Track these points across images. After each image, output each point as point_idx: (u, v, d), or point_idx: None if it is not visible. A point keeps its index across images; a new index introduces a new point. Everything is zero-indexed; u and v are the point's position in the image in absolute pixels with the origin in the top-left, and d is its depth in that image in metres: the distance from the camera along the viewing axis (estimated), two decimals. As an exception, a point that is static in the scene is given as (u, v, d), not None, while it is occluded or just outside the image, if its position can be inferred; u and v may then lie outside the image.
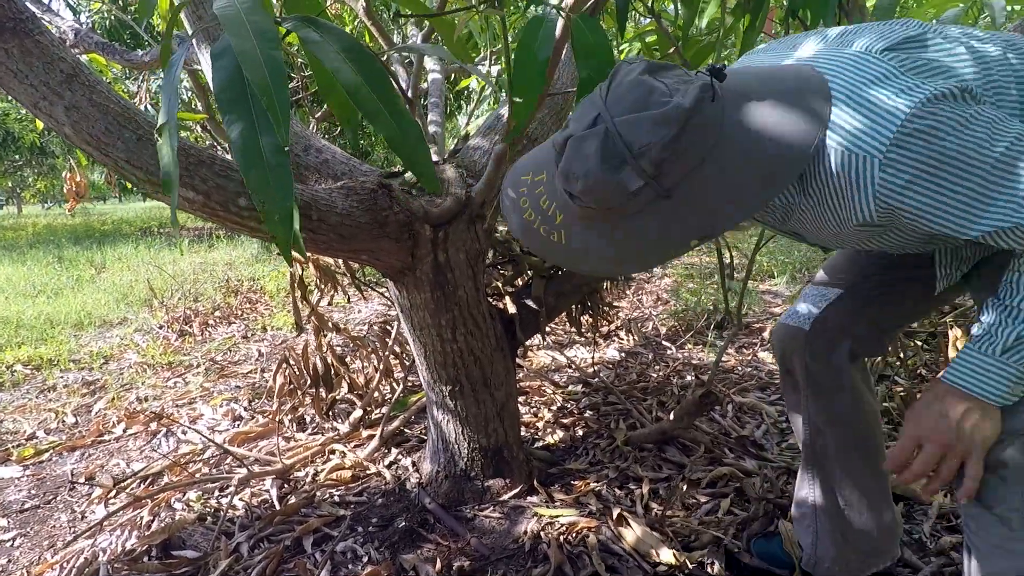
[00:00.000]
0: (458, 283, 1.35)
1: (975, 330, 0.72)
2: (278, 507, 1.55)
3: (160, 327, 3.72)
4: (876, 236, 0.75)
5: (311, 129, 1.36)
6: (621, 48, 3.27)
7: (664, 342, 2.78)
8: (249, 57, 0.66)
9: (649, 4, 2.10)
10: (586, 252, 0.75)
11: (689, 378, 2.30)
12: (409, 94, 1.29)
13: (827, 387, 1.06)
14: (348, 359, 2.29)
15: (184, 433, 2.12)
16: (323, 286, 1.86)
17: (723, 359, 2.59)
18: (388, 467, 1.75)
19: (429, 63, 2.99)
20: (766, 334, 2.87)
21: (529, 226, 0.78)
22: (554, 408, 2.08)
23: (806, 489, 1.15)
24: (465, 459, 1.57)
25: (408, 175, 1.32)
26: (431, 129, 2.41)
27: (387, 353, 2.04)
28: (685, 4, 1.84)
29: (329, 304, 1.96)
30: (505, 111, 1.50)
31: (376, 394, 2.08)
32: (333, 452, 1.85)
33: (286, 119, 0.66)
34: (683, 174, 0.67)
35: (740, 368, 2.45)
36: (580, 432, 1.91)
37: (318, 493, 1.61)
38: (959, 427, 0.72)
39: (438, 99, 2.65)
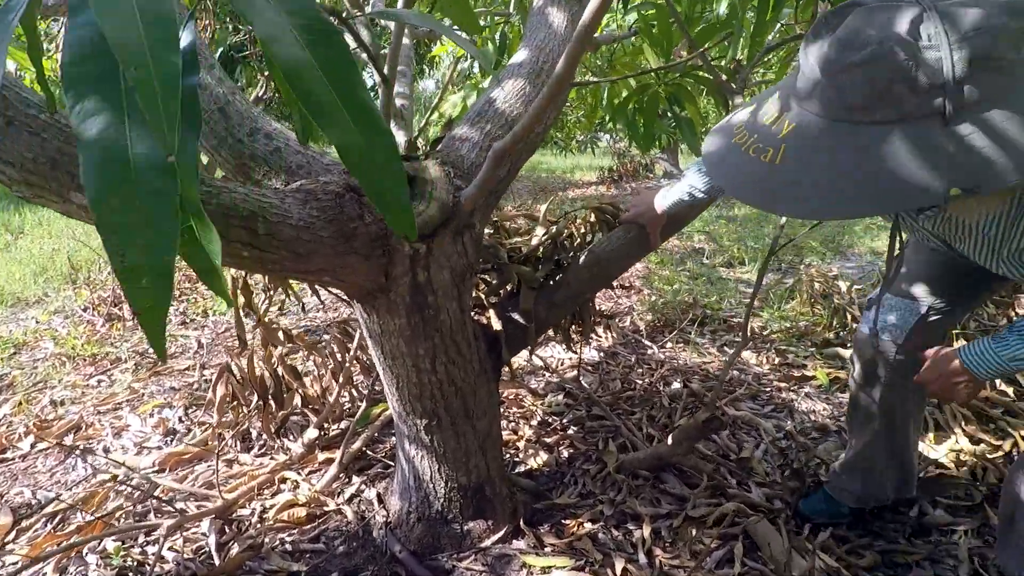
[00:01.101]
0: (440, 306, 1.11)
1: (1001, 336, 0.91)
2: (217, 560, 1.30)
3: (84, 309, 3.32)
4: None
5: (254, 105, 1.08)
6: (615, 24, 3.01)
7: (645, 340, 2.62)
8: (116, 7, 0.40)
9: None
10: (798, 175, 0.64)
11: (676, 385, 2.14)
12: (385, 70, 1.02)
13: (911, 370, 1.20)
14: (302, 366, 2.02)
15: (107, 452, 1.83)
16: (271, 289, 1.58)
17: (706, 359, 2.45)
18: (349, 502, 1.52)
19: (393, 23, 2.66)
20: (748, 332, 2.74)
21: (731, 151, 0.71)
22: (535, 423, 1.89)
23: (864, 440, 1.35)
24: (442, 499, 1.36)
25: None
26: (397, 103, 2.11)
27: (349, 360, 1.79)
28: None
29: (280, 310, 1.72)
30: (497, 94, 1.25)
31: (335, 406, 1.83)
32: (284, 481, 1.61)
33: (172, 113, 0.41)
34: (982, 97, 0.58)
35: (722, 368, 2.31)
36: (566, 454, 1.72)
37: (266, 539, 1.37)
38: (956, 389, 0.99)
39: (406, 67, 2.35)
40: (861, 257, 4.17)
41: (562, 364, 2.38)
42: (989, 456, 1.59)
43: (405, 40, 2.49)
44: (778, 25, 2.12)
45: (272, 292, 1.59)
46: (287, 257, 0.90)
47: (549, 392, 2.11)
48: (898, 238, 1.04)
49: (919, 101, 0.59)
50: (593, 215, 1.54)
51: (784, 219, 1.85)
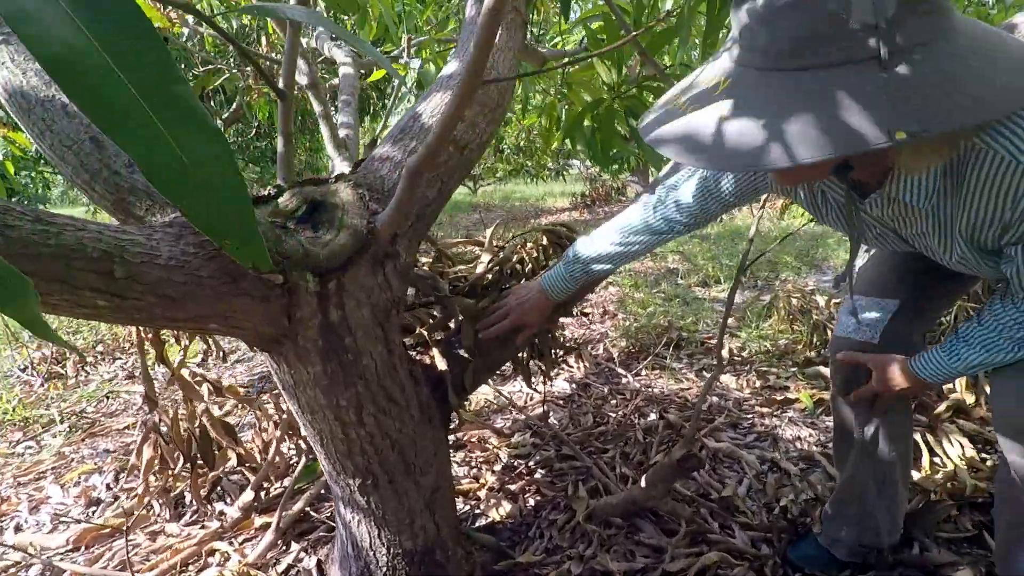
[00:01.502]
0: (362, 349, 0.96)
1: (949, 347, 0.94)
2: (120, 661, 1.11)
3: (23, 369, 3.09)
4: (982, 257, 0.84)
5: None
6: (560, 37, 2.94)
7: (618, 369, 2.47)
8: None
9: (597, -20, 1.77)
10: (740, 128, 0.60)
11: (652, 416, 2.00)
12: (280, 83, 0.89)
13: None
14: (238, 420, 1.85)
15: (19, 530, 1.62)
16: (185, 337, 1.41)
17: (683, 385, 2.31)
18: (285, 574, 1.34)
19: (339, 55, 2.56)
20: (725, 352, 2.62)
21: (667, 115, 0.68)
22: (498, 468, 1.73)
23: (853, 484, 1.22)
24: (384, 568, 1.18)
25: (285, 199, 0.92)
26: (342, 133, 1.99)
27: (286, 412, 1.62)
28: (642, -21, 1.52)
29: (205, 359, 1.57)
30: (423, 108, 1.13)
31: (276, 462, 1.65)
32: (213, 553, 1.42)
33: None
34: (916, 40, 0.56)
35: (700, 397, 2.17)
36: (532, 502, 1.56)
37: (183, 630, 1.18)
38: (906, 392, 1.05)
39: (350, 96, 2.23)
40: (836, 270, 4.10)
41: (531, 399, 2.22)
42: (989, 488, 1.46)
43: (349, 69, 2.38)
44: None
45: (189, 341, 1.42)
46: (156, 303, 0.75)
47: (516, 431, 1.95)
48: (854, 241, 0.93)
49: (852, 45, 0.56)
50: (545, 238, 1.41)
51: (753, 234, 1.74)
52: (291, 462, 1.76)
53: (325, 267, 0.88)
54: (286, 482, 1.67)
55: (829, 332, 2.54)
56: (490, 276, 1.34)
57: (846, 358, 1.13)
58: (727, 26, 2.25)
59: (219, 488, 1.65)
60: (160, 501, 1.59)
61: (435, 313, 1.40)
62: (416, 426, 1.13)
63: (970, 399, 1.66)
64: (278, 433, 1.55)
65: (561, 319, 1.35)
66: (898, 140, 0.55)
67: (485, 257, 1.35)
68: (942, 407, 1.62)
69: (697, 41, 1.84)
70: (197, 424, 1.45)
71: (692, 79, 0.71)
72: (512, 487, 1.62)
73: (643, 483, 1.43)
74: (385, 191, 1.01)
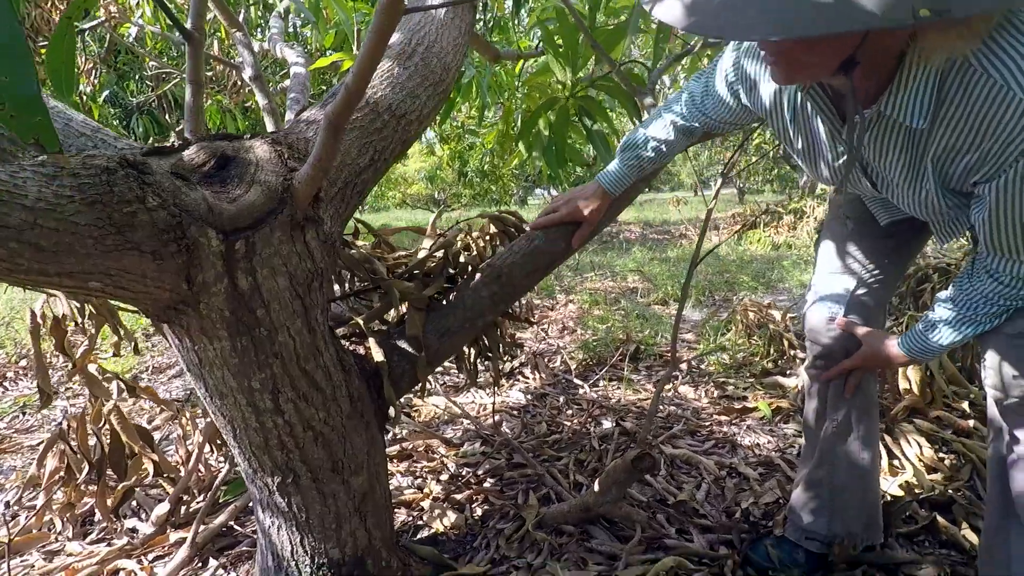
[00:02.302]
0: (277, 324, 0.86)
1: (930, 318, 0.96)
2: None
3: (-66, 383, 2.83)
4: (956, 195, 0.84)
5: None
6: (518, 36, 2.94)
7: (575, 380, 2.40)
8: None
9: (550, -26, 1.75)
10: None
11: (608, 424, 1.92)
12: (188, 24, 0.80)
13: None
14: (165, 433, 1.69)
15: None
16: (91, 325, 1.27)
17: (640, 396, 2.24)
18: (197, 594, 1.19)
19: (291, 55, 2.48)
20: (684, 365, 2.58)
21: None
22: (444, 478, 1.61)
23: (823, 470, 1.18)
24: (307, 581, 1.06)
25: (191, 152, 0.82)
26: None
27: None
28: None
29: (115, 354, 1.41)
30: (348, 77, 1.05)
31: (194, 473, 1.51)
32: (117, 573, 1.26)
33: None
34: None
35: (663, 406, 2.11)
36: (479, 512, 1.45)
37: (68, 657, 1.03)
38: (891, 366, 1.08)
39: (299, 95, 2.15)
40: (791, 291, 4.16)
41: (484, 410, 2.12)
42: (949, 486, 1.42)
43: (301, 68, 2.31)
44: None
45: (92, 328, 1.28)
46: (20, 252, 0.64)
47: (466, 441, 1.84)
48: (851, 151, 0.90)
49: None
50: (492, 226, 1.34)
51: (702, 252, 1.70)
52: (217, 474, 1.61)
53: (231, 226, 0.78)
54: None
55: (786, 343, 2.52)
56: (432, 263, 1.26)
57: (843, 324, 1.12)
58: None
59: (132, 501, 1.49)
60: (63, 517, 1.43)
61: (373, 303, 1.31)
62: (346, 420, 1.02)
63: (926, 399, 1.64)
64: (201, 439, 1.41)
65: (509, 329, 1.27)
66: (920, 17, 0.55)
67: (427, 242, 1.27)
68: (898, 407, 1.59)
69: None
70: (104, 426, 1.30)
71: None
72: (458, 496, 1.51)
73: (596, 487, 1.34)
74: (308, 153, 0.92)
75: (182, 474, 1.51)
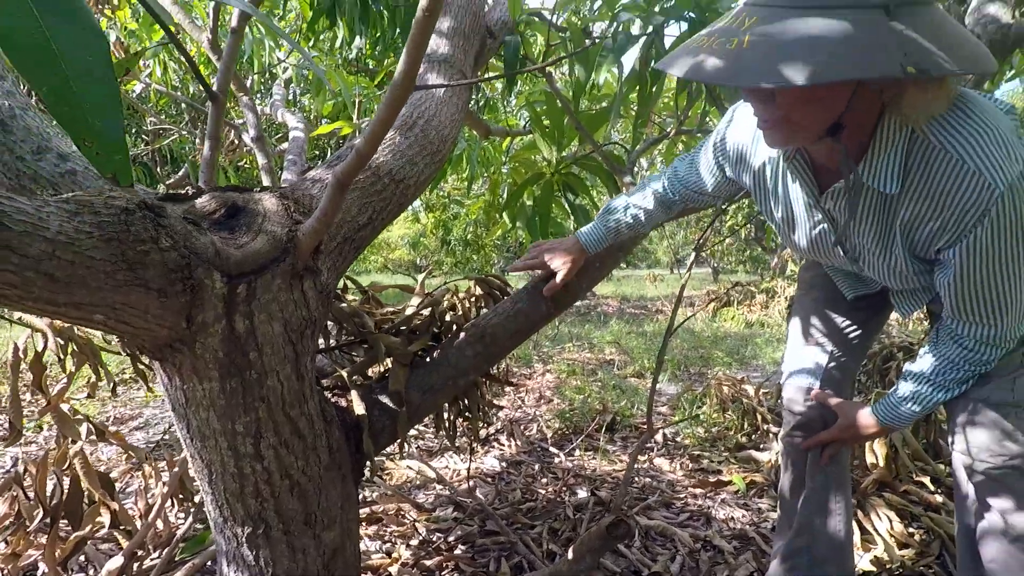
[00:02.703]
0: (268, 368, 0.89)
1: (900, 387, 1.02)
2: None
3: None
4: (920, 262, 0.91)
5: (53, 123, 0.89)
6: (507, 114, 3.12)
7: (551, 448, 2.39)
8: None
9: (539, 60, 1.90)
10: (768, 52, 0.68)
11: (583, 494, 1.91)
12: (215, 86, 0.87)
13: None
14: (124, 485, 1.64)
15: None
16: (71, 362, 1.26)
17: (616, 466, 2.24)
18: (149, 656, 1.13)
19: (291, 120, 2.61)
20: (659, 437, 2.59)
21: (691, 51, 0.75)
22: (414, 543, 1.58)
23: (802, 540, 1.20)
24: (270, 642, 1.02)
25: (204, 201, 0.87)
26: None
27: (180, 467, 1.45)
28: (580, 61, 1.65)
29: (90, 395, 1.40)
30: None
31: (160, 526, 1.46)
32: (64, 632, 1.20)
33: None
34: (911, 0, 0.68)
35: (638, 478, 2.11)
36: (449, 578, 1.42)
37: None
38: (867, 437, 1.13)
39: (296, 156, 2.25)
40: (764, 368, 4.24)
41: (458, 475, 2.10)
42: (919, 562, 1.44)
43: (300, 133, 2.41)
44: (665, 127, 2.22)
45: (73, 367, 1.27)
46: (35, 281, 0.67)
47: (438, 506, 1.81)
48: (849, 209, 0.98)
49: None
50: (478, 287, 1.40)
51: (675, 325, 1.78)
52: (176, 530, 1.56)
53: (237, 270, 0.82)
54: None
55: (759, 418, 2.57)
56: (419, 320, 1.30)
57: (819, 396, 1.16)
58: (658, 108, 2.44)
59: (82, 555, 1.42)
60: (5, 568, 1.35)
61: (356, 357, 1.33)
62: (323, 471, 1.03)
63: (892, 473, 1.68)
64: (165, 489, 1.37)
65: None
66: (908, 72, 0.64)
67: (415, 300, 1.32)
68: (868, 481, 1.63)
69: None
70: (67, 468, 1.27)
71: (711, 26, 0.78)
72: (428, 563, 1.47)
73: (570, 555, 1.33)
74: (312, 209, 0.98)
75: (140, 527, 1.46)
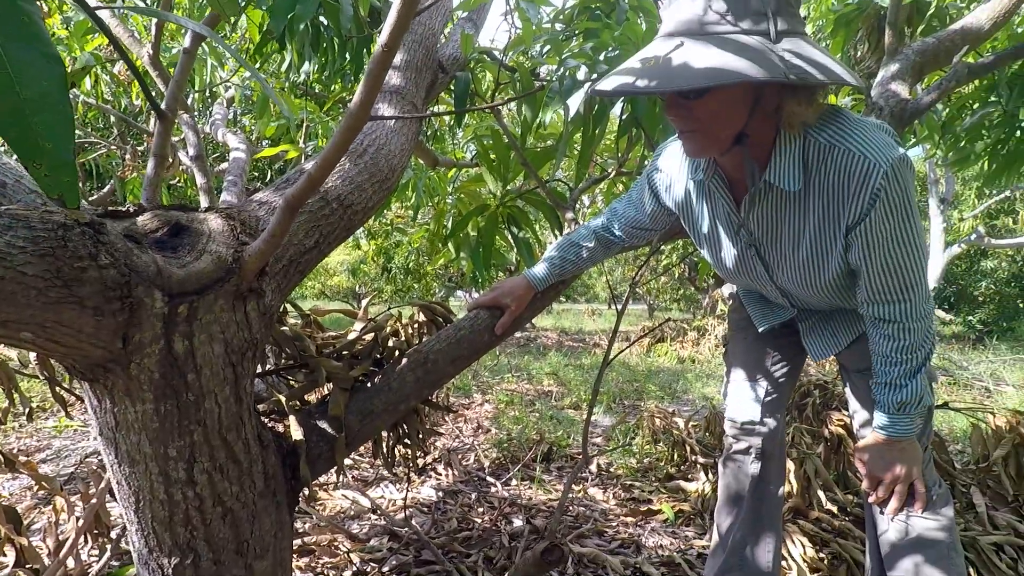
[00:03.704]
0: (206, 390, 0.87)
1: (879, 410, 1.06)
2: None
3: None
4: (832, 259, 1.01)
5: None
6: (454, 146, 3.17)
7: (488, 478, 2.39)
8: None
9: (490, 101, 1.97)
10: (686, 62, 0.82)
11: (519, 522, 1.92)
12: (163, 104, 0.87)
13: (775, 454, 1.34)
14: (30, 521, 1.53)
15: None
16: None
17: (551, 496, 2.27)
18: None
19: (232, 140, 2.56)
20: (593, 467, 2.64)
21: (622, 71, 0.88)
22: (348, 574, 1.54)
23: (735, 559, 1.29)
24: None
25: (145, 219, 0.86)
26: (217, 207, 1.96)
27: (98, 498, 1.37)
28: (528, 102, 1.73)
29: (2, 422, 1.29)
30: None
31: (71, 565, 1.36)
32: None
33: None
34: (790, 28, 0.85)
35: (572, 507, 2.14)
36: (382, 610, 1.39)
37: None
38: (898, 460, 1.06)
39: (236, 177, 2.21)
40: (694, 402, 4.40)
41: (394, 505, 2.06)
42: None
43: (241, 154, 2.38)
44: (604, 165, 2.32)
45: (-16, 391, 1.18)
46: (-40, 295, 0.64)
47: (373, 536, 1.78)
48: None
49: (754, 20, 0.83)
50: (422, 314, 1.41)
51: (611, 355, 1.86)
52: (88, 568, 1.46)
53: (179, 289, 0.81)
54: (79, 591, 1.36)
55: (688, 449, 2.66)
56: (361, 345, 1.30)
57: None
58: (600, 149, 2.56)
59: (-18, 596, 1.31)
60: None
61: (294, 381, 1.31)
62: (258, 497, 1.01)
63: (805, 501, 1.78)
64: (80, 524, 1.29)
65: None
66: (790, 79, 0.80)
67: (358, 325, 1.32)
68: (784, 508, 1.72)
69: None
70: (-27, 501, 1.18)
71: (639, 54, 0.91)
72: (361, 594, 1.44)
73: (505, 583, 1.34)
74: (258, 230, 0.98)
75: (49, 565, 1.36)
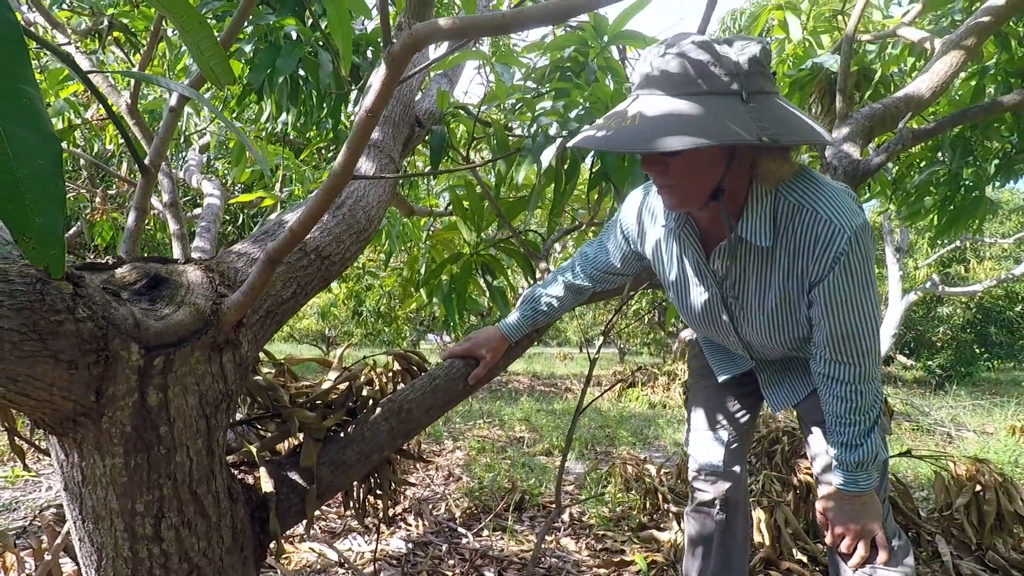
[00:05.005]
0: (178, 442, 0.86)
1: (843, 466, 1.07)
2: None
3: None
4: (794, 311, 1.05)
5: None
6: (428, 194, 3.22)
7: (459, 528, 2.35)
8: None
9: (465, 153, 2.04)
10: (647, 127, 0.84)
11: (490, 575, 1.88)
12: (147, 159, 0.89)
13: (740, 502, 1.37)
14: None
15: None
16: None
17: (524, 547, 2.23)
18: None
19: (208, 187, 2.57)
20: (566, 516, 2.62)
21: (598, 127, 0.91)
22: (314, 633, 1.49)
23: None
24: None
25: (124, 271, 0.87)
26: (195, 256, 1.95)
27: (53, 554, 1.31)
28: (506, 161, 1.79)
29: None
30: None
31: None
32: None
33: None
34: (760, 90, 0.87)
35: (545, 558, 2.11)
36: (349, 671, 1.34)
37: None
38: (860, 514, 1.09)
39: (210, 223, 2.22)
40: (666, 448, 4.41)
41: (361, 557, 2.00)
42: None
43: (216, 200, 2.39)
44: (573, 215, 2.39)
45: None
46: (-67, 348, 0.64)
47: (340, 593, 1.72)
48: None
49: (724, 81, 0.85)
50: (397, 363, 1.42)
51: (588, 407, 1.88)
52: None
53: (156, 341, 0.82)
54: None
55: (660, 497, 2.66)
56: (335, 395, 1.30)
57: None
58: (571, 199, 2.64)
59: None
60: None
61: (265, 431, 1.30)
62: (225, 553, 0.98)
63: (776, 552, 1.80)
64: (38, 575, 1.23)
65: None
66: (764, 140, 0.82)
67: (332, 374, 1.32)
68: (755, 559, 1.73)
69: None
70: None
71: (612, 111, 0.94)
72: (327, 655, 1.39)
73: (477, 639, 1.31)
74: (236, 281, 0.99)
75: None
